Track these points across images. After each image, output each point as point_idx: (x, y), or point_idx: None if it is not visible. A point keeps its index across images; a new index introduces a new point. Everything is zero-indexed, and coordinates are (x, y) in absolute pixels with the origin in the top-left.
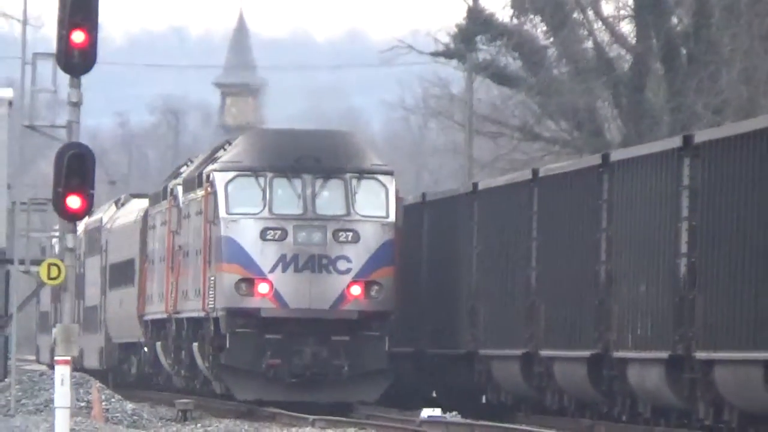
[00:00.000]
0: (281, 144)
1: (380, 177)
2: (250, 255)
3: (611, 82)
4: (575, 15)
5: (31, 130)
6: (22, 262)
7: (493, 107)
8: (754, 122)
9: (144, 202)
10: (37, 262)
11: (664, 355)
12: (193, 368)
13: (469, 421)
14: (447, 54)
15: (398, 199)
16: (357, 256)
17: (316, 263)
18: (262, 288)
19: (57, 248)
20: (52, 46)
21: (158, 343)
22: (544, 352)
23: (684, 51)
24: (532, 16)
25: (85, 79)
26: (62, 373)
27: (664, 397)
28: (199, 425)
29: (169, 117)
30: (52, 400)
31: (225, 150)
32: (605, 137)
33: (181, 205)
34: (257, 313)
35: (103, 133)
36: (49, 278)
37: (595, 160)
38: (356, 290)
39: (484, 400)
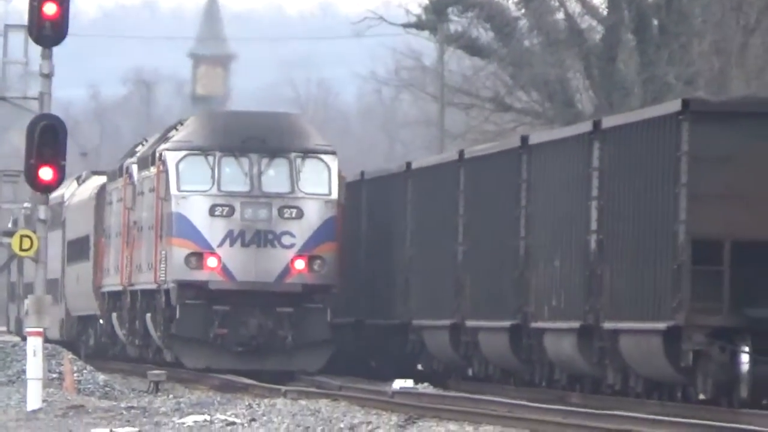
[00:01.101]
0: (229, 125)
1: (323, 156)
2: (199, 230)
3: (583, 53)
4: None
5: (2, 102)
6: None
7: (464, 78)
8: (651, 110)
9: (102, 179)
10: (9, 234)
11: (575, 325)
12: (147, 338)
13: (440, 392)
14: (419, 25)
15: (341, 178)
16: (301, 231)
17: (262, 238)
18: (211, 262)
19: (18, 219)
20: (24, 19)
21: (114, 315)
22: (470, 323)
23: (655, 22)
24: None
25: (56, 50)
26: (34, 344)
27: (577, 364)
28: (171, 396)
29: (141, 88)
30: (24, 372)
31: (177, 130)
32: (577, 108)
33: (135, 182)
34: (206, 286)
35: (75, 105)
36: (21, 249)
37: (515, 142)
38: (300, 264)
39: (420, 367)
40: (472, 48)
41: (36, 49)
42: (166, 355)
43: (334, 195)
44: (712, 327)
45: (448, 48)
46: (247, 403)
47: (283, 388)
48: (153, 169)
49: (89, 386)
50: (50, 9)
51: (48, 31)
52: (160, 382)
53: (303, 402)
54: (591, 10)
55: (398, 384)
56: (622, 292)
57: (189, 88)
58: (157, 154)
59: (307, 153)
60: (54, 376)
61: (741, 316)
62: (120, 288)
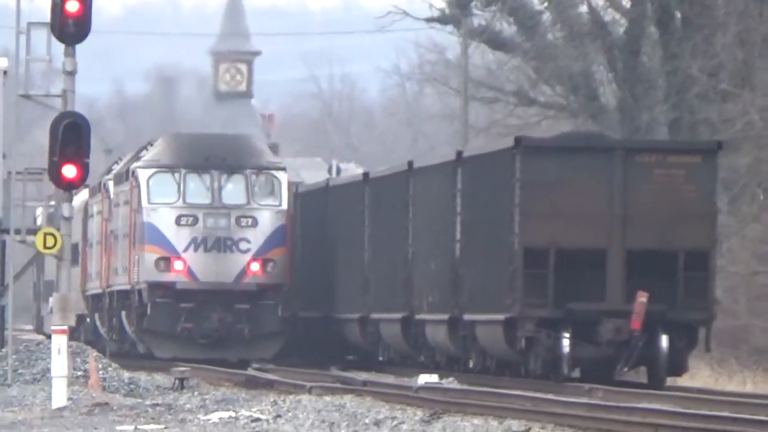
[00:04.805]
0: (193, 145)
1: (275, 172)
2: (167, 237)
3: (606, 46)
4: None
5: (26, 99)
6: (18, 232)
7: (488, 72)
8: (495, 145)
9: None
10: (33, 232)
11: (445, 317)
12: (123, 333)
13: (465, 387)
14: (442, 20)
15: (289, 190)
16: (255, 238)
17: (222, 244)
18: (178, 265)
19: (40, 219)
20: (47, 16)
21: (96, 314)
22: (373, 315)
23: (678, 14)
24: None
25: (79, 47)
26: (59, 342)
27: (449, 349)
28: (196, 393)
29: (164, 85)
30: (49, 370)
31: (147, 150)
32: (600, 101)
33: (112, 196)
34: (173, 286)
35: (98, 102)
36: (45, 247)
37: (404, 167)
38: (255, 266)
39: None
40: (496, 42)
41: (59, 47)
42: (139, 347)
43: (284, 206)
44: (540, 318)
45: (471, 42)
46: (272, 400)
47: (308, 384)
48: (127, 185)
49: (114, 384)
50: (73, 6)
51: (71, 29)
52: (184, 379)
53: (328, 398)
54: (614, 3)
55: (423, 379)
56: (477, 290)
57: (211, 85)
58: (131, 171)
59: (261, 169)
60: (79, 374)
61: (562, 309)
62: (100, 290)
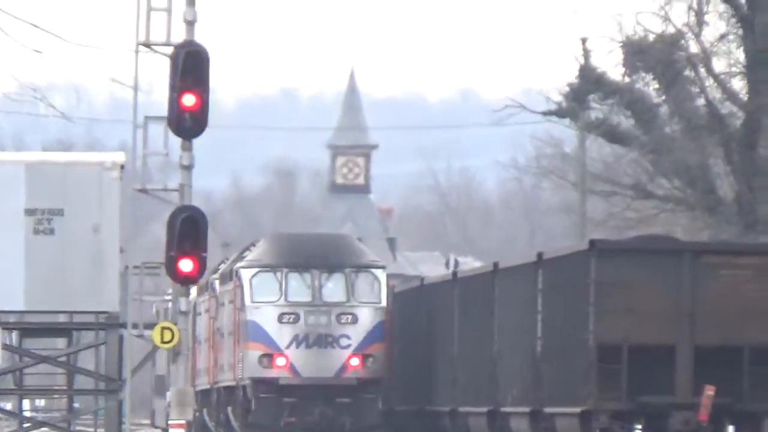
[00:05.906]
0: (294, 245)
1: (374, 270)
2: (269, 335)
3: (723, 139)
4: (687, 72)
5: (143, 193)
6: (135, 326)
7: (605, 166)
8: (571, 247)
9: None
10: (151, 326)
11: (527, 410)
12: (229, 427)
13: None
14: (559, 113)
15: (389, 288)
16: (356, 334)
17: (323, 340)
18: (280, 361)
19: (154, 309)
20: (164, 111)
21: (204, 409)
22: (462, 409)
23: None
24: (643, 74)
25: (196, 141)
26: None
27: None
28: None
29: (282, 178)
30: None
31: (250, 250)
32: (718, 194)
33: (218, 295)
34: (276, 382)
35: (215, 195)
36: (163, 342)
37: (489, 267)
38: (355, 362)
39: None
40: (613, 135)
41: (176, 140)
42: None
43: (383, 303)
44: (614, 410)
45: (588, 135)
46: None
47: None
48: (231, 284)
49: None
50: (189, 100)
51: (188, 123)
52: None
53: None
54: (731, 96)
55: None
56: (556, 384)
57: (326, 178)
58: (234, 271)
59: (360, 268)
60: None
61: (635, 402)
62: (208, 386)
